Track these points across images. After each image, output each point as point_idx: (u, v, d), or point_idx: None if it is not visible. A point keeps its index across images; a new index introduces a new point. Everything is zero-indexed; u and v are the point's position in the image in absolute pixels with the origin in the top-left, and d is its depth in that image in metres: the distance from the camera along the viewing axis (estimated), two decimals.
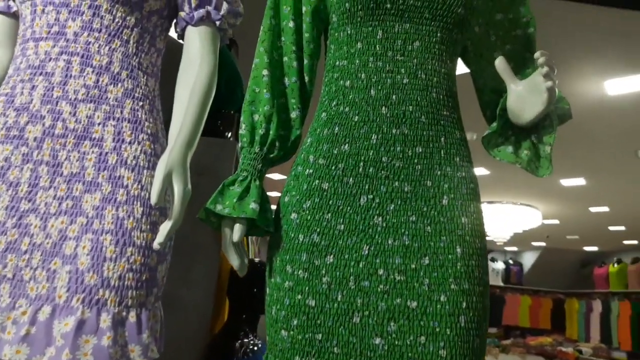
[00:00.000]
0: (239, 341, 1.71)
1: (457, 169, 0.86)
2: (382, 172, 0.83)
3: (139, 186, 0.82)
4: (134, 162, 0.83)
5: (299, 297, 0.80)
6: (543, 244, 10.23)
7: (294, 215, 0.84)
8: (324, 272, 0.81)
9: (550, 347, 8.05)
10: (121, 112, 0.85)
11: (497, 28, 0.99)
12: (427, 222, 0.82)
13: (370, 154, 0.84)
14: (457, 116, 0.90)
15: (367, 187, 0.83)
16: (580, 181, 5.64)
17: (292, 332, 0.80)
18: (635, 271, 8.73)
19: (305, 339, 0.79)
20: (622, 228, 8.30)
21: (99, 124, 0.84)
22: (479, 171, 5.54)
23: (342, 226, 0.82)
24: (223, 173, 1.96)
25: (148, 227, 0.81)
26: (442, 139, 0.86)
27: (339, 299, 0.80)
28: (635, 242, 9.47)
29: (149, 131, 0.87)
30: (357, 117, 0.86)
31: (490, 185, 6.13)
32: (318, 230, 0.82)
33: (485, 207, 7.14)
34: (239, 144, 0.91)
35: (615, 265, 9.24)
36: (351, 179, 0.84)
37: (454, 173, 0.86)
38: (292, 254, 0.83)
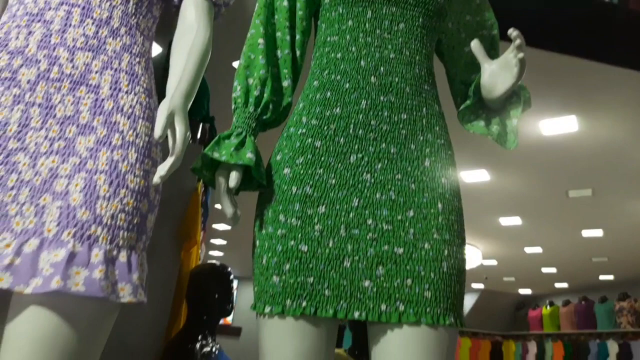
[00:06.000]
0: (199, 343, 1.66)
1: (437, 136, 0.94)
2: (371, 134, 0.89)
3: (134, 133, 0.83)
4: (130, 110, 0.84)
5: (292, 243, 0.83)
6: (482, 286, 10.57)
7: (286, 170, 0.88)
8: (316, 220, 0.84)
9: None
10: (119, 64, 0.87)
11: (466, 27, 1.12)
12: (412, 180, 0.88)
13: (360, 117, 0.90)
14: (435, 93, 0.99)
15: (356, 147, 0.89)
16: (516, 220, 5.98)
17: (283, 277, 0.81)
18: (566, 313, 9.19)
19: (297, 282, 0.81)
20: (554, 270, 8.77)
21: (96, 72, 0.84)
22: None
23: (334, 180, 0.86)
24: (187, 176, 1.95)
25: (141, 173, 0.82)
26: (424, 109, 0.94)
27: (330, 245, 0.83)
28: (565, 285, 10.02)
29: (144, 85, 0.89)
30: (348, 84, 0.92)
31: None
32: (310, 183, 0.86)
33: None
34: (233, 106, 0.94)
35: (548, 307, 9.70)
36: (342, 138, 0.89)
37: (434, 140, 0.93)
38: (286, 205, 0.85)
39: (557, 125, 3.59)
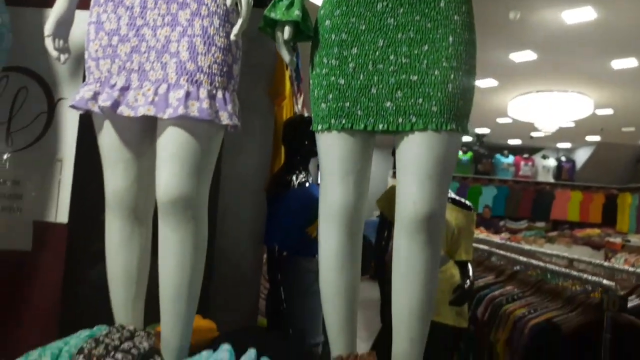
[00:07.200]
0: (295, 175, 2.11)
1: None
2: None
3: (215, 4, 1.14)
4: None
5: (333, 78, 1.13)
6: (597, 138, 9.98)
7: (327, 22, 1.14)
8: (350, 59, 1.12)
9: (598, 238, 8.23)
10: None
11: None
12: (428, 20, 1.10)
13: None
14: None
15: None
16: (632, 62, 5.44)
17: (328, 103, 1.14)
18: None
19: (337, 106, 1.13)
20: None
21: None
22: (527, 55, 5.47)
23: (363, 26, 1.11)
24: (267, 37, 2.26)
25: (224, 34, 1.14)
26: None
27: (361, 78, 1.11)
28: None
29: None
30: None
31: (538, 71, 6.04)
32: (345, 30, 1.12)
33: (533, 97, 7.04)
34: None
35: None
36: None
37: None
38: (327, 49, 1.14)
39: None
